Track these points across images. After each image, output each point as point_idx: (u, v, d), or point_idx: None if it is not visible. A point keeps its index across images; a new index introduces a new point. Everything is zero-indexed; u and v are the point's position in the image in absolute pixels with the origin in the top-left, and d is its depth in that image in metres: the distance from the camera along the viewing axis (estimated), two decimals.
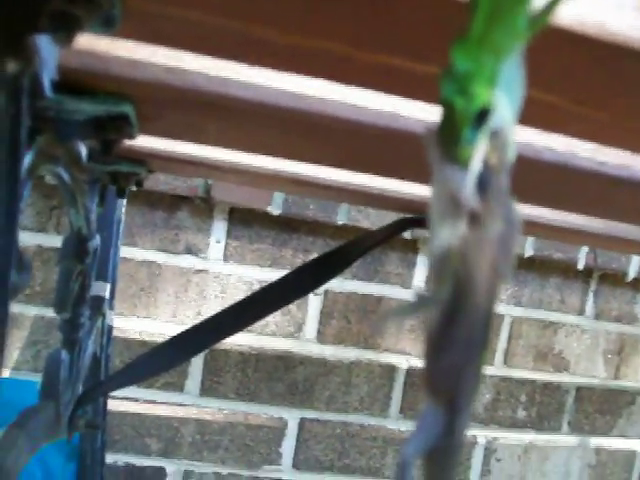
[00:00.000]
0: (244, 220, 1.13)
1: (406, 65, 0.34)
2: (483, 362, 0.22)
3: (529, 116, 0.41)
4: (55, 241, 1.07)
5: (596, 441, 1.36)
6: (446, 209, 0.18)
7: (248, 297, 0.74)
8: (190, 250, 1.13)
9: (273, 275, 1.14)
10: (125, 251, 1.10)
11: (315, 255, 1.15)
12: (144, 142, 0.56)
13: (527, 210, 0.63)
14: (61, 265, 0.63)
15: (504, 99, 0.18)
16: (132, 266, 1.11)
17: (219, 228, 1.13)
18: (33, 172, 0.39)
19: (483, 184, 0.18)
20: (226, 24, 0.33)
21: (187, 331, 0.74)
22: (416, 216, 0.71)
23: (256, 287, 1.14)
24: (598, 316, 1.32)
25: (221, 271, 1.14)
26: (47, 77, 0.37)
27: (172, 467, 1.17)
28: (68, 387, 0.66)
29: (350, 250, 0.71)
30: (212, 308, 1.14)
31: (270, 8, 0.30)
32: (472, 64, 0.17)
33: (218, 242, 1.13)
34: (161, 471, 1.17)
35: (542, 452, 1.33)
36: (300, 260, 1.15)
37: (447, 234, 0.19)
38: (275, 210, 1.10)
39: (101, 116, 0.45)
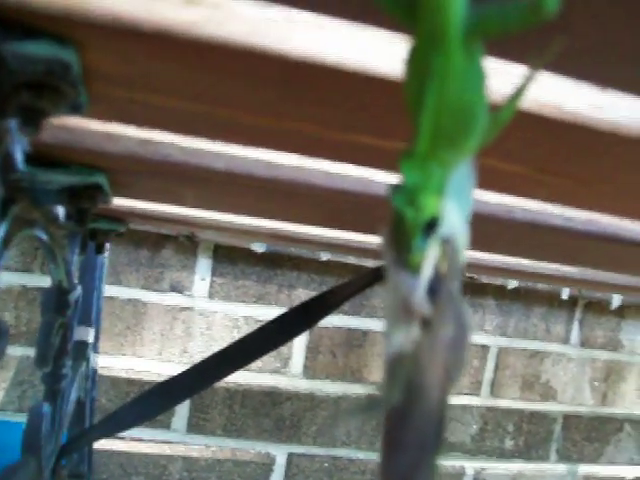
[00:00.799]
0: (228, 257, 1.14)
1: (372, 142, 0.35)
2: (437, 464, 0.22)
3: (498, 184, 0.43)
4: (40, 281, 1.07)
5: (585, 469, 1.36)
6: (399, 313, 0.19)
7: (234, 343, 0.74)
8: (175, 288, 1.13)
9: (258, 311, 1.15)
10: (110, 290, 1.10)
11: (300, 290, 1.16)
12: (124, 203, 0.57)
13: (506, 259, 0.65)
14: (42, 319, 0.63)
15: (453, 207, 0.18)
16: (117, 305, 1.11)
17: (204, 266, 1.13)
18: (9, 240, 0.40)
19: (434, 290, 0.19)
20: (193, 107, 0.34)
21: (174, 378, 0.74)
22: None
23: (242, 323, 1.15)
24: (584, 344, 1.33)
25: (206, 308, 1.14)
26: (20, 152, 0.38)
27: None
28: (51, 439, 0.66)
29: (330, 298, 0.72)
30: (198, 345, 1.14)
31: (240, 93, 0.31)
32: (419, 177, 0.18)
33: (203, 279, 1.14)
34: None
35: None
36: (285, 295, 1.15)
37: (400, 338, 0.19)
38: (259, 248, 1.10)
39: (75, 186, 0.45)
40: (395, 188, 0.18)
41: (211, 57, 0.24)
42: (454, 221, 0.19)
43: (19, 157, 0.37)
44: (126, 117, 0.38)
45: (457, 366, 0.20)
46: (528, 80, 0.18)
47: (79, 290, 0.69)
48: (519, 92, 0.18)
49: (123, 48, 0.24)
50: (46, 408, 0.64)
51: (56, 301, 0.63)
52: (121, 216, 0.61)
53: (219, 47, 0.23)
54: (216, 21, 0.22)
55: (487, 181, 0.40)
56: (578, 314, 1.31)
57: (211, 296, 1.14)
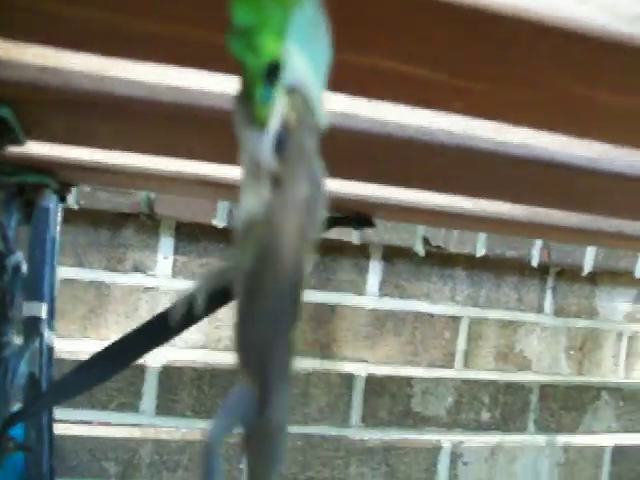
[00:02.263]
0: (191, 235, 1.12)
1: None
2: (294, 337, 0.21)
3: (409, 94, 0.40)
4: None
5: (563, 439, 1.35)
6: (250, 174, 0.17)
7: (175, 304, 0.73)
8: (138, 268, 1.11)
9: None
10: (71, 272, 1.08)
11: None
12: (44, 150, 0.55)
13: (432, 198, 0.62)
14: None
15: (299, 53, 0.17)
16: (80, 287, 1.10)
17: (166, 244, 1.12)
18: None
19: (283, 144, 0.17)
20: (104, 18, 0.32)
21: (118, 341, 0.73)
22: (339, 215, 0.70)
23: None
24: (557, 312, 1.32)
25: (171, 287, 1.13)
26: None
27: None
28: None
29: None
30: None
31: None
32: (255, 16, 0.16)
33: (166, 258, 1.12)
34: None
35: (509, 453, 1.32)
36: None
37: (252, 200, 0.18)
38: (220, 222, 1.09)
39: None
40: (231, 32, 0.17)
41: None
42: (301, 68, 0.17)
43: None
44: (28, 33, 0.36)
45: (312, 227, 0.19)
46: None
47: (19, 256, 0.67)
48: None
49: None
50: None
51: None
52: (48, 168, 0.59)
53: None
54: None
55: (398, 90, 0.38)
56: (550, 282, 1.30)
57: (175, 275, 1.12)
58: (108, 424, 1.12)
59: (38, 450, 0.90)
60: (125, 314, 1.12)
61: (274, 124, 0.17)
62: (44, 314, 0.85)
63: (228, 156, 0.52)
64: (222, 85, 0.39)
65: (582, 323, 1.34)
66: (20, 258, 0.67)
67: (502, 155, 0.47)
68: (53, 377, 0.92)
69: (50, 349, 0.91)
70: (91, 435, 1.12)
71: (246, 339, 0.21)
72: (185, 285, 1.13)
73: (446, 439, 1.27)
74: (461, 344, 1.26)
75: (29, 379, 0.80)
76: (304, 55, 0.17)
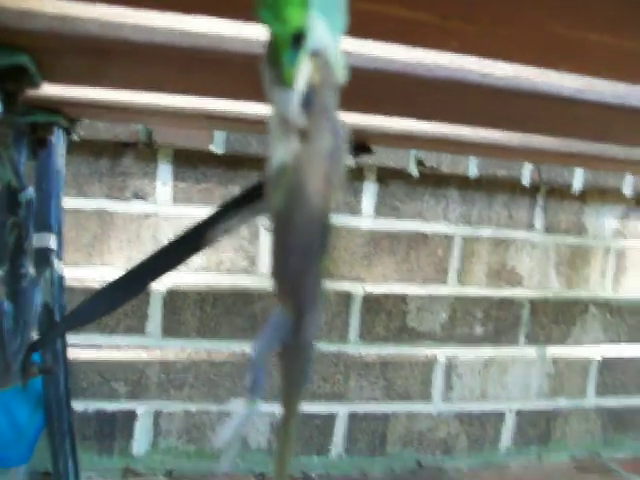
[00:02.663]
0: (189, 161, 1.14)
1: None
2: (323, 268, 0.24)
3: (405, 36, 0.43)
4: None
5: (553, 350, 1.41)
6: (279, 129, 0.20)
7: (183, 234, 0.75)
8: (138, 195, 1.14)
9: None
10: (74, 202, 1.11)
11: None
12: (56, 91, 0.57)
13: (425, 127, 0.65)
14: None
15: (321, 21, 0.19)
16: (83, 216, 1.12)
17: (165, 171, 1.14)
18: None
19: (309, 103, 0.20)
20: None
21: (132, 270, 0.76)
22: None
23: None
24: (547, 229, 1.35)
25: (171, 213, 1.15)
26: None
27: (142, 409, 1.20)
28: (15, 337, 0.67)
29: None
30: None
31: None
32: None
33: (165, 185, 1.14)
34: (131, 414, 1.20)
35: (501, 366, 1.38)
36: None
37: (281, 151, 0.20)
38: (218, 149, 1.11)
39: None
40: (260, 2, 0.19)
41: None
42: (323, 34, 0.19)
43: None
44: None
45: (336, 172, 0.21)
46: None
47: (31, 191, 0.69)
48: None
49: None
50: (7, 306, 0.65)
51: (7, 201, 0.63)
52: (57, 107, 0.61)
53: None
54: None
55: (394, 33, 0.40)
56: (541, 200, 1.34)
57: (175, 201, 1.15)
58: (116, 347, 1.17)
59: (55, 373, 0.94)
60: (128, 240, 1.15)
61: (300, 84, 0.19)
62: (54, 244, 0.88)
63: (230, 92, 0.54)
64: (225, 29, 0.41)
65: (571, 240, 1.38)
66: (32, 193, 0.69)
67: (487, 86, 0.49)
68: (65, 305, 0.96)
69: (60, 278, 0.94)
70: (100, 358, 1.17)
71: (281, 270, 0.23)
72: (184, 211, 1.15)
73: (441, 353, 1.33)
74: (454, 262, 1.30)
75: (43, 308, 0.83)
76: (324, 22, 0.19)
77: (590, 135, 0.69)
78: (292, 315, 0.24)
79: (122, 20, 0.41)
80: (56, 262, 0.90)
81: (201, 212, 1.15)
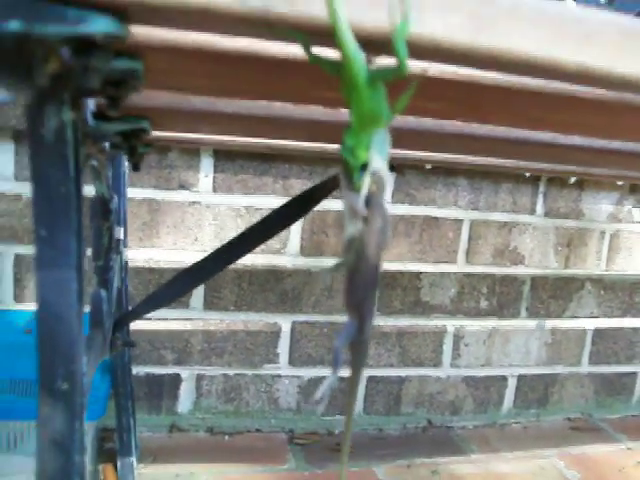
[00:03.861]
0: (227, 155, 1.29)
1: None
2: (375, 298, 0.38)
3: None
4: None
5: (551, 323, 1.56)
6: (350, 215, 0.35)
7: (242, 233, 0.89)
8: (183, 185, 1.29)
9: (258, 200, 1.31)
10: (127, 193, 1.25)
11: (293, 180, 1.31)
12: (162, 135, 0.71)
13: None
14: (93, 224, 0.78)
15: (377, 157, 0.34)
16: (134, 204, 1.27)
17: (206, 164, 1.28)
18: (82, 169, 0.54)
19: (368, 202, 0.34)
20: None
21: (197, 263, 0.90)
22: None
23: (244, 212, 1.31)
24: (548, 214, 1.49)
25: (212, 201, 1.30)
26: (89, 113, 0.50)
27: (186, 373, 1.36)
28: (108, 317, 0.81)
29: (318, 191, 0.88)
30: (207, 234, 1.31)
31: None
32: (355, 141, 0.33)
33: (207, 176, 1.29)
34: (177, 377, 1.36)
35: (504, 336, 1.53)
36: (279, 185, 1.31)
37: (351, 228, 0.35)
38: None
39: (126, 130, 0.60)
40: (342, 146, 0.34)
41: None
42: (378, 164, 0.34)
43: (89, 117, 0.51)
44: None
45: (384, 242, 0.36)
46: (413, 86, 0.33)
47: (116, 199, 0.83)
48: (407, 95, 0.34)
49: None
50: (103, 293, 0.79)
51: (101, 210, 0.77)
52: (152, 142, 0.75)
53: None
54: None
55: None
56: (542, 188, 1.47)
57: (215, 190, 1.30)
58: (164, 319, 1.33)
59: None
60: (174, 225, 1.30)
61: (364, 191, 0.34)
62: (122, 235, 1.03)
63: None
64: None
65: (569, 223, 1.52)
66: (116, 200, 0.83)
67: None
68: (127, 285, 1.11)
69: (126, 263, 1.09)
70: (150, 328, 1.32)
71: (351, 296, 0.38)
72: (224, 199, 1.30)
73: (450, 324, 1.48)
74: (463, 243, 1.44)
75: (117, 292, 0.98)
76: (378, 155, 0.34)
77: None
78: (357, 322, 0.39)
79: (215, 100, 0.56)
80: (123, 250, 1.05)
81: (238, 200, 1.30)
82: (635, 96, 0.43)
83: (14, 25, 0.25)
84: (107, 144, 0.68)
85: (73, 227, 0.35)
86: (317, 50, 0.32)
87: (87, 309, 0.77)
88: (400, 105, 0.34)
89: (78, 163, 0.35)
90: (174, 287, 0.88)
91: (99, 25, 0.27)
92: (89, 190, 0.78)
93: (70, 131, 0.33)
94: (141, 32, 0.32)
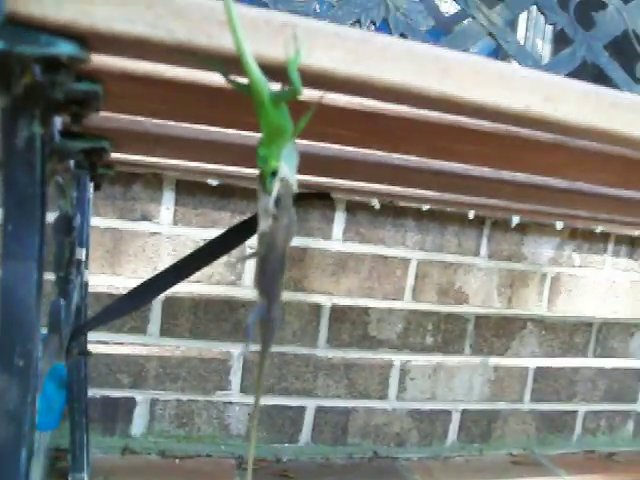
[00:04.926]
0: (189, 190, 1.37)
1: None
2: (282, 281, 0.46)
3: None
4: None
5: (494, 360, 1.63)
6: (263, 214, 0.43)
7: (189, 255, 0.97)
8: (145, 217, 1.36)
9: (215, 234, 1.38)
10: (91, 221, 1.33)
11: (248, 215, 1.39)
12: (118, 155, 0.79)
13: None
14: (56, 239, 0.85)
15: (285, 165, 0.42)
16: (98, 233, 1.34)
17: (168, 197, 1.36)
18: (47, 185, 0.61)
19: (278, 202, 0.42)
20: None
21: (147, 281, 0.97)
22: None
23: (202, 244, 1.38)
24: (491, 256, 1.58)
25: (172, 233, 1.38)
26: (56, 131, 0.58)
27: (141, 397, 1.42)
28: (66, 325, 0.87)
29: (254, 223, 0.96)
30: (166, 264, 1.37)
31: None
32: (267, 152, 0.41)
33: (168, 209, 1.37)
34: (132, 400, 1.41)
35: (449, 371, 1.60)
36: (237, 220, 1.38)
37: (264, 225, 0.43)
38: (214, 182, 1.33)
39: (88, 148, 0.68)
40: (257, 157, 0.42)
41: None
42: (286, 171, 0.42)
43: (56, 134, 0.58)
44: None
45: (290, 236, 0.44)
46: (310, 112, 0.42)
47: (78, 217, 0.90)
48: (308, 115, 0.42)
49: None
50: (62, 302, 0.85)
51: (64, 226, 0.84)
52: (113, 164, 0.83)
53: None
54: None
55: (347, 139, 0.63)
56: (486, 231, 1.57)
57: (175, 223, 1.37)
58: (121, 344, 1.39)
59: (78, 361, 1.15)
60: (135, 254, 1.37)
61: (274, 193, 0.42)
62: (83, 257, 1.09)
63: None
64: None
65: (512, 265, 1.61)
66: (79, 219, 0.90)
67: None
68: (87, 305, 1.17)
69: (86, 283, 1.16)
70: (107, 352, 1.38)
71: (261, 280, 0.45)
72: (183, 231, 1.38)
73: (397, 358, 1.55)
74: (410, 280, 1.53)
75: (76, 308, 1.04)
76: (287, 165, 0.42)
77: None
78: (266, 303, 0.46)
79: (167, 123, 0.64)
80: (84, 271, 1.12)
81: (197, 233, 1.38)
82: (522, 129, 0.52)
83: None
84: (72, 163, 0.76)
85: (36, 225, 0.42)
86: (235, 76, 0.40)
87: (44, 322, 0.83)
88: (302, 123, 0.42)
89: (44, 171, 0.43)
90: (127, 301, 0.95)
91: (64, 48, 0.35)
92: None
93: (39, 142, 0.40)
94: (101, 60, 0.40)
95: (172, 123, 0.63)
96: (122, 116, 0.61)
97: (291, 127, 0.41)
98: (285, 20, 0.38)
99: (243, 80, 0.39)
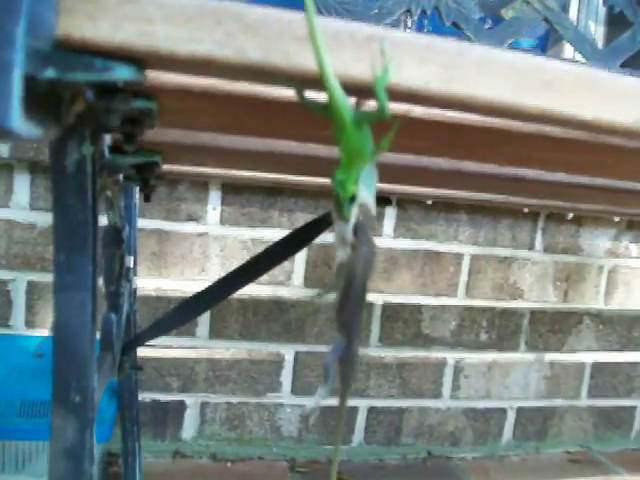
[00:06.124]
0: (235, 189, 1.33)
1: None
2: (362, 317, 0.42)
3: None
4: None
5: (550, 356, 1.58)
6: (340, 243, 0.39)
7: (245, 263, 0.93)
8: (192, 217, 1.33)
9: (263, 233, 1.35)
10: (137, 223, 1.30)
11: (298, 214, 1.36)
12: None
13: None
14: (105, 252, 0.82)
15: (364, 190, 0.38)
16: (144, 235, 1.31)
17: (214, 197, 1.33)
18: (98, 200, 0.58)
19: (356, 230, 0.38)
20: None
21: (200, 292, 0.93)
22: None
23: (250, 245, 1.35)
24: (547, 249, 1.53)
25: (219, 233, 1.34)
26: (106, 147, 0.55)
27: (191, 400, 1.39)
28: (117, 341, 0.84)
29: (322, 222, 0.92)
30: (214, 265, 1.35)
31: None
32: (344, 176, 0.37)
33: (215, 209, 1.33)
34: (182, 404, 1.39)
35: (504, 368, 1.55)
36: (285, 219, 1.35)
37: (341, 255, 0.39)
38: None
39: (141, 163, 0.64)
40: (333, 181, 0.38)
41: None
42: (365, 196, 0.38)
43: (106, 150, 0.55)
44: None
45: (370, 267, 0.40)
46: (394, 131, 0.37)
47: (127, 228, 0.87)
48: (391, 135, 0.38)
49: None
50: (113, 317, 0.82)
51: (113, 238, 0.81)
52: (164, 175, 0.80)
53: None
54: None
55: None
56: (541, 224, 1.51)
57: (222, 223, 1.34)
58: (170, 347, 1.36)
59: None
60: (182, 256, 1.34)
61: (352, 221, 0.38)
62: (132, 264, 1.07)
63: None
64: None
65: (568, 258, 1.55)
66: (127, 230, 0.87)
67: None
68: (137, 313, 1.15)
69: (135, 291, 1.13)
70: (156, 356, 1.36)
71: (341, 314, 0.42)
72: (230, 232, 1.34)
73: (450, 356, 1.51)
74: (463, 276, 1.48)
75: (126, 317, 1.01)
76: (366, 189, 0.38)
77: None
78: (346, 339, 0.42)
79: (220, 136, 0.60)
80: (133, 278, 1.09)
81: (245, 232, 1.35)
82: (604, 137, 0.47)
83: (49, 73, 0.29)
84: (121, 176, 0.72)
85: (89, 253, 0.39)
86: (311, 94, 0.36)
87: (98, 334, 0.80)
88: (384, 144, 0.38)
89: (95, 193, 0.39)
90: (180, 314, 0.92)
91: (121, 73, 0.31)
92: (102, 220, 0.83)
93: (89, 164, 0.37)
94: (155, 76, 0.36)
95: (226, 136, 0.59)
96: (174, 130, 0.58)
97: (372, 148, 0.37)
98: (371, 32, 0.33)
99: (313, 97, 0.35)
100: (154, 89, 0.38)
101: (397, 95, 0.35)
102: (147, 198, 0.87)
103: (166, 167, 0.73)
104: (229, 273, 0.92)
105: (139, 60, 0.31)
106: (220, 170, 0.87)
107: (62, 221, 0.38)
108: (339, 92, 0.33)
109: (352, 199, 0.37)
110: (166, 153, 0.63)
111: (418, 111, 0.44)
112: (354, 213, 0.36)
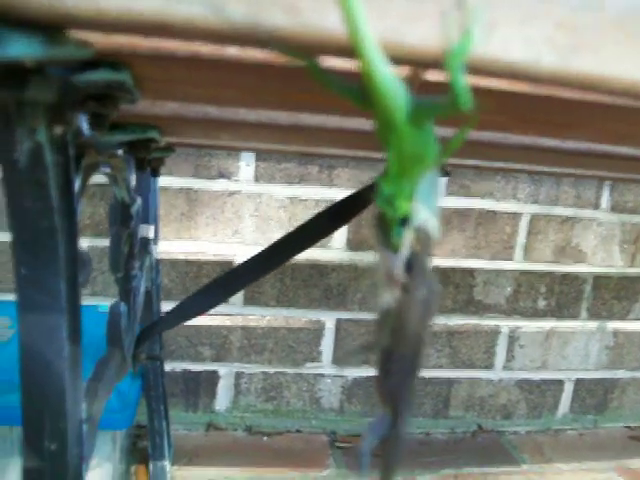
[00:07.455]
0: None
1: None
2: (415, 384, 0.30)
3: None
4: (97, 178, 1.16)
5: (613, 325, 1.45)
6: (385, 280, 0.26)
7: (280, 239, 0.80)
8: (223, 174, 1.21)
9: (301, 191, 1.23)
10: (163, 181, 1.19)
11: (339, 170, 1.23)
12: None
13: None
14: (111, 231, 0.71)
15: (422, 207, 0.26)
16: (171, 194, 1.21)
17: (248, 152, 1.21)
18: (84, 186, 0.46)
19: (410, 264, 0.26)
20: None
21: (235, 269, 0.81)
22: None
23: (287, 203, 1.23)
24: (613, 208, 1.38)
25: (253, 191, 1.23)
26: (85, 123, 0.44)
27: (224, 370, 1.30)
28: (128, 332, 0.74)
29: (366, 194, 0.79)
30: (248, 226, 1.23)
31: None
32: (393, 189, 0.25)
33: (248, 165, 1.21)
34: (215, 374, 1.30)
35: (562, 338, 1.43)
36: (325, 175, 1.23)
37: (387, 297, 0.27)
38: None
39: (132, 140, 0.52)
40: (377, 194, 0.25)
41: None
42: (424, 216, 0.25)
43: (85, 127, 0.44)
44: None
45: (429, 317, 0.28)
46: (468, 127, 0.25)
47: (139, 201, 0.76)
48: (463, 133, 0.25)
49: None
50: (122, 307, 0.70)
51: (121, 215, 0.70)
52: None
53: None
54: None
55: None
56: (608, 180, 1.36)
57: (257, 180, 1.22)
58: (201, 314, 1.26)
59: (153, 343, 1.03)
60: (213, 216, 1.23)
61: (405, 251, 0.26)
62: (152, 234, 0.96)
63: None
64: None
65: (637, 219, 1.40)
66: (139, 203, 0.75)
67: None
68: (160, 286, 1.04)
69: (157, 262, 1.02)
70: (187, 324, 1.26)
71: (384, 384, 0.30)
72: (265, 189, 1.23)
73: (504, 324, 1.39)
74: (521, 238, 1.35)
75: (145, 295, 0.90)
76: (425, 206, 0.26)
77: None
78: (391, 415, 0.31)
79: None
80: (154, 249, 0.99)
81: (281, 190, 1.23)
82: None
83: None
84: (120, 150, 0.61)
85: (60, 266, 0.28)
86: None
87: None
88: (455, 143, 0.25)
89: (65, 188, 0.28)
90: (206, 295, 0.79)
91: (19, 48, 0.21)
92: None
93: (49, 154, 0.25)
94: (124, 40, 0.24)
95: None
96: (172, 103, 0.45)
97: (434, 151, 0.24)
98: None
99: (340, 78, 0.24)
100: (123, 56, 0.27)
101: (485, 73, 0.22)
102: (155, 172, 0.75)
103: (175, 140, 0.61)
104: (272, 243, 0.79)
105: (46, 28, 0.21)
106: (237, 143, 0.73)
107: (20, 228, 0.27)
108: (386, 75, 0.21)
109: (404, 221, 0.25)
110: (166, 127, 0.51)
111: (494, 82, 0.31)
112: (407, 241, 0.25)
